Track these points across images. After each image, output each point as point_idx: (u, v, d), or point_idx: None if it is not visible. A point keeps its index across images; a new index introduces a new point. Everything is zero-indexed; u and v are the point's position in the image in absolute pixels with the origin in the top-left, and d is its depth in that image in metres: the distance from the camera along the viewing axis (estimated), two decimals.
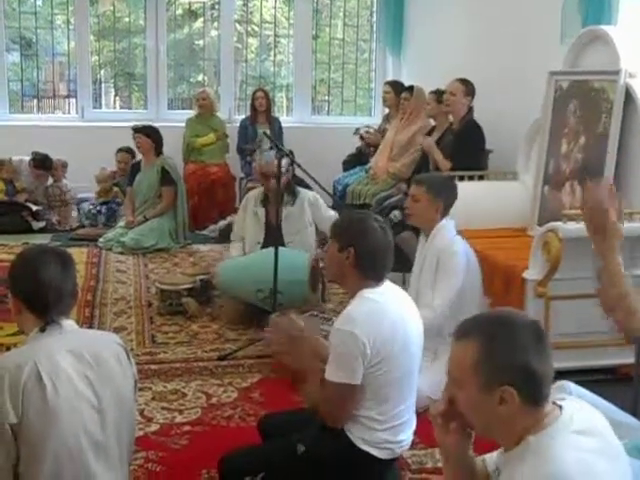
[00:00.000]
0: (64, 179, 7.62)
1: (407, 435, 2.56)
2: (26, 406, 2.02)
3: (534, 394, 1.64)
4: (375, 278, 2.51)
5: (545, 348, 1.65)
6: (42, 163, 7.42)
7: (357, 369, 2.39)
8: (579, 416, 1.69)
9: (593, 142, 4.44)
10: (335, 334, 2.43)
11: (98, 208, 7.34)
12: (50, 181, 7.59)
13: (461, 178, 5.17)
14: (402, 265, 4.63)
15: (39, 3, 8.71)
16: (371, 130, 7.28)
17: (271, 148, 4.95)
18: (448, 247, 3.67)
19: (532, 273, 3.85)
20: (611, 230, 2.30)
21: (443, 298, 3.61)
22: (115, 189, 7.45)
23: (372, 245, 2.48)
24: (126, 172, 7.32)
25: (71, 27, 8.42)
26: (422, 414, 2.86)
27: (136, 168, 6.96)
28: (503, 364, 1.62)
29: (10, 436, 2.02)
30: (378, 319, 2.42)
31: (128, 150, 7.36)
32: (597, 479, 1.58)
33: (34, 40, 8.64)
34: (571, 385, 2.35)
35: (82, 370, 2.13)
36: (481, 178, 5.39)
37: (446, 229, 3.74)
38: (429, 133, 6.04)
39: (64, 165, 7.57)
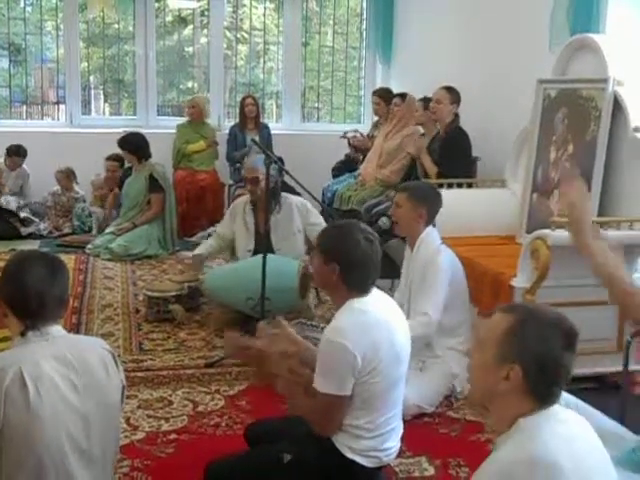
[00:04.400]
0: (76, 187, 7.64)
1: (394, 443, 2.55)
2: (8, 410, 2.01)
3: (540, 387, 1.71)
4: (361, 290, 2.49)
5: (569, 359, 1.72)
6: (17, 151, 7.48)
7: (346, 380, 2.37)
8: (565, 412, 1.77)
9: (581, 150, 4.45)
10: (325, 345, 2.41)
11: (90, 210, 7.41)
12: (57, 189, 7.57)
13: (450, 185, 5.18)
14: (391, 272, 4.64)
15: (28, 9, 8.68)
16: (358, 135, 7.26)
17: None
18: (433, 259, 3.67)
19: (520, 281, 3.84)
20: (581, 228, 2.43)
21: (433, 304, 3.61)
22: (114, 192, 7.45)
23: (356, 260, 2.44)
24: (115, 179, 7.36)
25: (60, 33, 8.37)
26: (409, 422, 2.85)
27: (128, 173, 7.01)
28: (525, 346, 1.70)
29: None
30: (368, 330, 2.40)
31: (116, 158, 7.33)
32: (582, 463, 1.65)
33: (23, 46, 8.59)
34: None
35: (67, 376, 2.12)
36: (470, 186, 5.40)
37: (430, 237, 3.74)
38: None
39: (64, 172, 7.55)
